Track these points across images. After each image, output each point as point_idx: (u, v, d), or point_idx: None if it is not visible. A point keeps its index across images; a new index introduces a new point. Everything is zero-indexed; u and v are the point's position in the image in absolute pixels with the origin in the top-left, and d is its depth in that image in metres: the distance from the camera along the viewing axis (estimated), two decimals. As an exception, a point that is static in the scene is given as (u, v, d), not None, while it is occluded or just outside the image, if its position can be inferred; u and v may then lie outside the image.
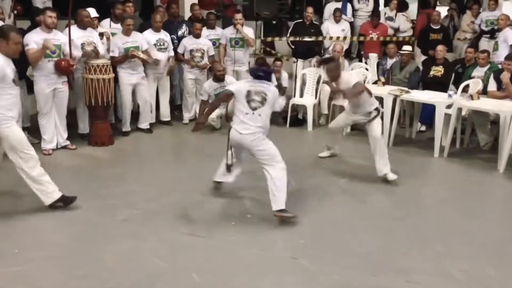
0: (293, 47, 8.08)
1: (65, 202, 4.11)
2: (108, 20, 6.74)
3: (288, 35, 8.15)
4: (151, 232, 3.82)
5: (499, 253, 3.63)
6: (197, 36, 6.98)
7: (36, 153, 4.01)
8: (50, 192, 4.04)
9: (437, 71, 6.80)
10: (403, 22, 8.95)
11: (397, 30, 8.87)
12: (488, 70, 6.43)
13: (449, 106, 5.79)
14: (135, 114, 6.68)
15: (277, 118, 4.22)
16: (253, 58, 7.66)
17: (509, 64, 5.87)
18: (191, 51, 6.95)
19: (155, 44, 6.60)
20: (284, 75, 7.28)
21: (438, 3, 10.54)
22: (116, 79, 6.20)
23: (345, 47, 8.12)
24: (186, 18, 7.88)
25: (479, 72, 6.54)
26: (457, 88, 6.33)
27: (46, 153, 5.53)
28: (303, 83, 7.32)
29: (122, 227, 3.90)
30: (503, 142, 5.35)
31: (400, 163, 5.44)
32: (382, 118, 5.42)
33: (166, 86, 6.97)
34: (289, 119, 7.10)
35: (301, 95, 7.27)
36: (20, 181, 4.03)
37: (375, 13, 8.84)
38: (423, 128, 6.84)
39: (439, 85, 6.54)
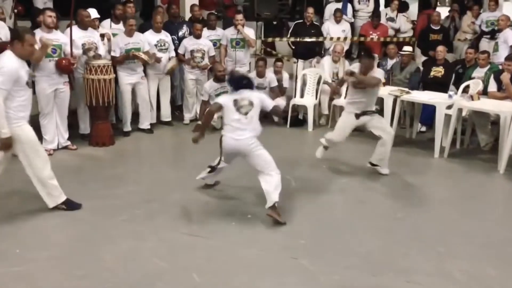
0: (293, 47, 8.08)
1: (68, 206, 4.11)
2: (108, 20, 6.75)
3: (288, 35, 8.16)
4: (151, 232, 3.83)
5: (500, 253, 3.63)
6: (198, 36, 6.98)
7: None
8: (56, 196, 4.05)
9: (438, 71, 6.81)
10: (404, 23, 8.96)
11: (397, 30, 8.88)
12: (488, 71, 6.43)
13: (449, 107, 5.79)
14: (136, 114, 6.69)
15: (274, 120, 4.32)
16: (253, 59, 7.67)
17: (509, 64, 5.88)
18: (191, 51, 6.95)
19: (156, 45, 6.61)
20: (285, 75, 7.29)
21: (438, 4, 10.55)
22: (116, 79, 6.21)
23: (346, 47, 8.12)
24: (186, 19, 7.89)
25: (479, 72, 6.54)
26: (457, 88, 6.34)
27: (47, 153, 5.52)
28: (304, 84, 7.33)
29: (122, 227, 3.91)
30: (503, 142, 5.35)
31: (400, 164, 5.45)
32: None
33: (167, 87, 6.97)
34: (289, 119, 7.11)
35: (302, 96, 7.28)
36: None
37: (376, 13, 8.84)
38: (424, 128, 6.85)
39: (440, 85, 6.55)
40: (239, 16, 7.31)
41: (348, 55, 8.60)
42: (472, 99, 5.69)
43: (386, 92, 6.16)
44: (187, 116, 7.20)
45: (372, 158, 5.12)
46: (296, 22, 8.44)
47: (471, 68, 6.71)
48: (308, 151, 6.11)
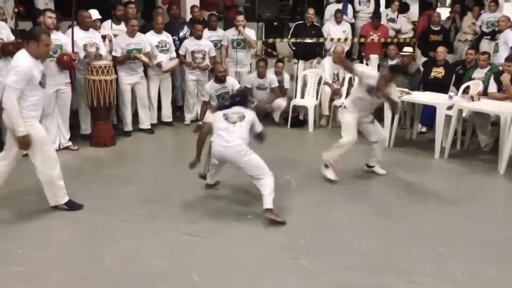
0: (294, 48, 8.10)
1: (70, 207, 4.13)
2: (109, 21, 6.76)
3: (289, 36, 8.17)
4: (151, 232, 3.84)
5: (500, 253, 3.63)
6: (199, 37, 6.99)
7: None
8: (60, 196, 4.07)
9: (438, 72, 6.81)
10: (405, 24, 8.96)
11: (398, 31, 8.88)
12: (489, 72, 6.43)
13: (449, 108, 5.80)
14: (137, 115, 6.70)
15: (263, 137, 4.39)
16: (254, 60, 7.68)
17: (509, 65, 5.88)
18: (192, 52, 6.96)
19: (157, 46, 6.63)
20: (286, 76, 7.30)
21: (439, 5, 10.55)
22: (116, 80, 6.22)
23: (346, 48, 8.13)
24: (187, 20, 7.90)
25: (479, 73, 6.54)
26: (457, 89, 6.34)
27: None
28: (304, 84, 7.34)
29: (122, 227, 3.92)
30: (504, 143, 5.35)
31: (400, 164, 5.46)
32: (381, 119, 5.47)
33: (168, 87, 6.99)
34: (290, 120, 7.12)
35: (302, 96, 7.30)
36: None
37: (376, 14, 8.84)
38: (424, 129, 6.84)
39: (440, 86, 6.55)
40: (240, 17, 7.32)
41: (349, 56, 8.60)
42: (473, 100, 5.70)
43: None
44: (188, 117, 7.20)
45: (370, 160, 5.18)
46: (296, 23, 8.46)
47: (471, 69, 6.70)
48: (308, 151, 6.13)
